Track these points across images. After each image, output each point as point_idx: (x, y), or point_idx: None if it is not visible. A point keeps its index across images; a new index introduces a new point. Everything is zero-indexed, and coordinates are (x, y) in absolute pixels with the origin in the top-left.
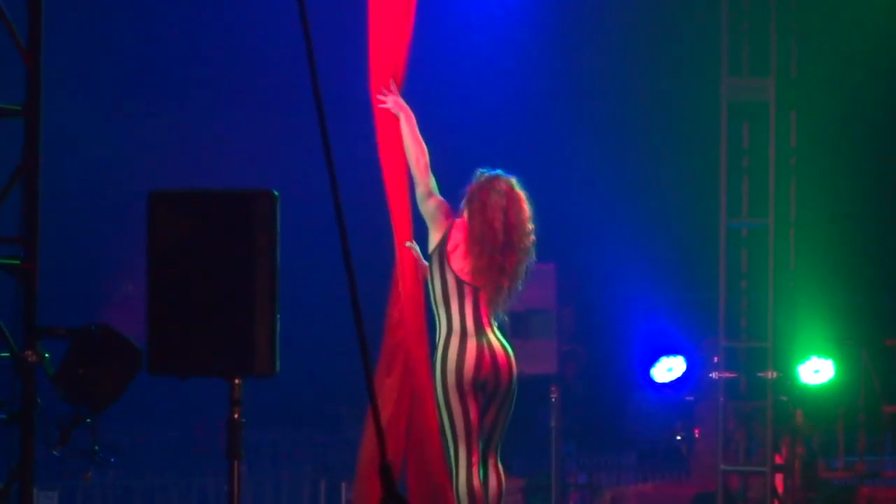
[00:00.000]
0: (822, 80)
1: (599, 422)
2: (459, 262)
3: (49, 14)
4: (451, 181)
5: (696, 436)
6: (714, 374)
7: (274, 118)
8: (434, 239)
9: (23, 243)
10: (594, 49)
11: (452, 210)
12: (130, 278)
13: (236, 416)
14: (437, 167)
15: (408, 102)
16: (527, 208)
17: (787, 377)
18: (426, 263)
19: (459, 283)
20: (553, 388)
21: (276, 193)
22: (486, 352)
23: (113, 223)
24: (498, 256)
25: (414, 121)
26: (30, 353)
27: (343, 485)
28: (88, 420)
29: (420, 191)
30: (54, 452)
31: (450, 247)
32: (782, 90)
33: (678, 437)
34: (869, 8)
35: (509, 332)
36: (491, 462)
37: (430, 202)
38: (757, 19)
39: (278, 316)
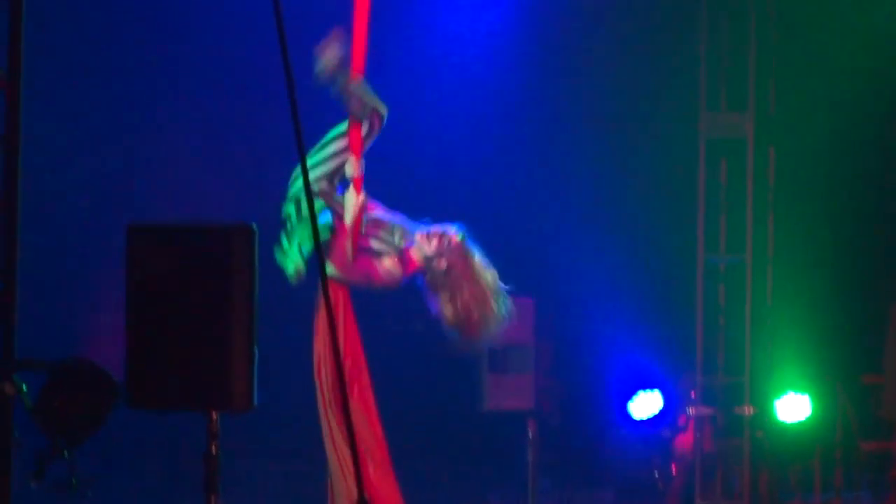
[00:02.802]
0: (801, 117)
1: (576, 457)
2: None
3: (29, 42)
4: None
5: (673, 472)
6: (691, 410)
7: (255, 151)
8: None
9: (1, 275)
10: (572, 84)
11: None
12: (109, 311)
13: (213, 450)
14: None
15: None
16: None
17: (764, 413)
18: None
19: None
20: (530, 423)
21: (254, 228)
22: None
23: (92, 256)
24: None
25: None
26: (7, 385)
27: None
28: (66, 453)
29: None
30: (31, 485)
31: None
32: (760, 126)
33: (655, 474)
34: (847, 45)
35: (487, 368)
36: None
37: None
38: (735, 56)
39: (256, 350)
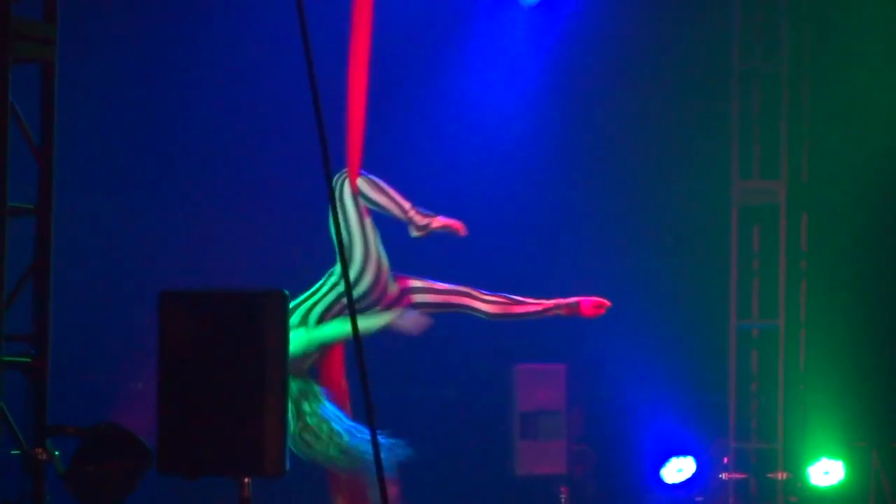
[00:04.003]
0: (833, 184)
1: None
2: None
3: (62, 110)
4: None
5: None
6: (724, 476)
7: (282, 215)
8: None
9: (34, 341)
10: (604, 152)
11: None
12: (141, 377)
13: None
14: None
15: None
16: None
17: (797, 479)
18: None
19: None
20: (563, 489)
21: (286, 293)
22: None
23: (124, 321)
24: None
25: None
26: (40, 451)
27: None
28: None
29: None
30: None
31: None
32: (793, 193)
33: None
34: (879, 112)
35: (518, 434)
36: None
37: None
38: (767, 124)
39: (288, 415)
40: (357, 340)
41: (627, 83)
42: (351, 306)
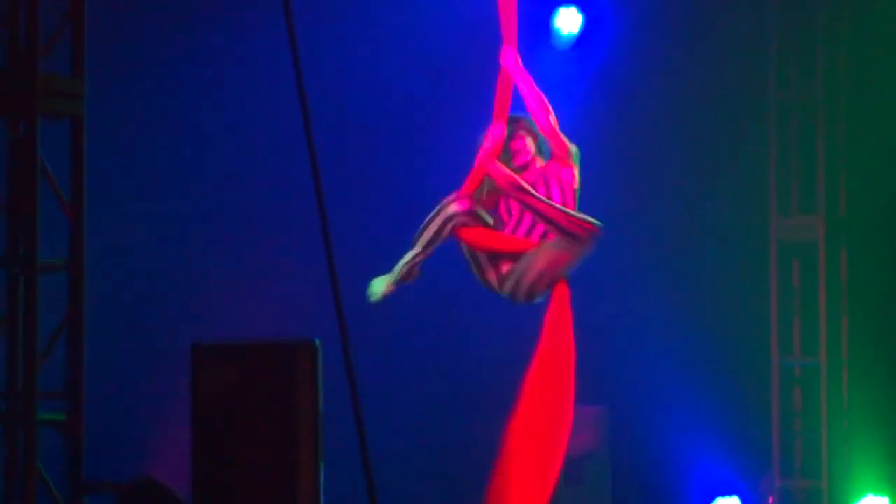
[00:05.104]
0: (871, 218)
1: None
2: None
3: (91, 162)
4: None
5: None
6: None
7: (314, 262)
8: None
9: (67, 398)
10: (643, 193)
11: None
12: (176, 431)
13: None
14: None
15: None
16: None
17: None
18: None
19: None
20: None
21: (317, 344)
22: None
23: (158, 374)
24: None
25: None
26: None
27: None
28: None
29: None
30: None
31: None
32: (831, 228)
33: None
34: None
35: (563, 480)
36: None
37: None
38: (804, 158)
39: (322, 466)
40: (343, 332)
41: (663, 118)
42: (337, 299)
